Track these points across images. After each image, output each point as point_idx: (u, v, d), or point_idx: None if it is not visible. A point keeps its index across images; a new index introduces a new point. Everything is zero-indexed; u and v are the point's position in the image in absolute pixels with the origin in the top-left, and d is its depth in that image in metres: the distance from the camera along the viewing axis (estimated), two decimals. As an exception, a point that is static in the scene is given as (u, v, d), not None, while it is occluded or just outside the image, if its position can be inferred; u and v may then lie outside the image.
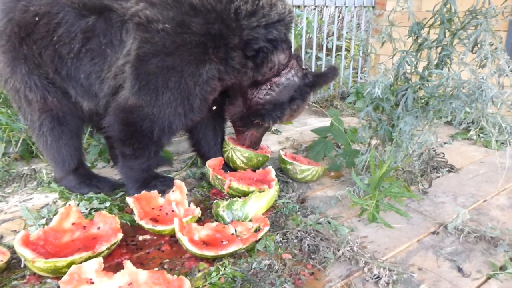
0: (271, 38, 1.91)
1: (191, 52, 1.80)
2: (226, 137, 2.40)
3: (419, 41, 2.01)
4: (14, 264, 1.58)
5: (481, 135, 3.10)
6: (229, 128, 3.34)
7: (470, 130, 3.18)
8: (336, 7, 4.24)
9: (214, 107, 2.27)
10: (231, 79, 1.94)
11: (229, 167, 2.40)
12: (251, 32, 1.85)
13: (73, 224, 1.70)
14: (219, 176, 2.08)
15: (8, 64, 1.93)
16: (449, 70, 1.99)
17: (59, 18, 1.83)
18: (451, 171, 2.51)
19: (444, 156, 2.58)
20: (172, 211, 1.89)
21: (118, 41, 1.83)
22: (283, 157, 2.32)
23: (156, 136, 1.93)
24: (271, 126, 2.26)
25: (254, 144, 2.36)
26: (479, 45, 1.82)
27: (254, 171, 2.29)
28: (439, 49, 1.98)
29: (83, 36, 1.84)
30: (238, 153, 2.29)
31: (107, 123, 1.96)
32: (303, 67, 2.17)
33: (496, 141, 2.91)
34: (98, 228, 1.70)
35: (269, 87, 2.08)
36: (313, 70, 2.47)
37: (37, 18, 1.85)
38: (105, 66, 1.88)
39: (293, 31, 3.86)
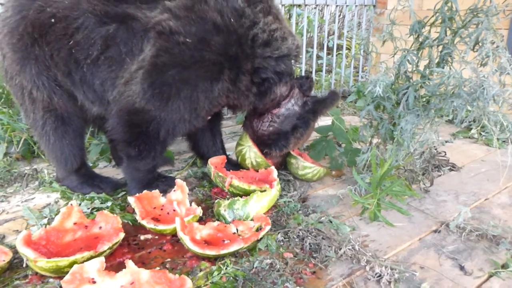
0: (278, 71, 1.99)
1: (208, 69, 1.84)
2: (246, 132, 2.39)
3: (420, 39, 2.01)
4: (16, 264, 1.58)
5: (483, 133, 3.09)
6: (230, 128, 3.35)
7: (471, 129, 3.18)
8: (337, 6, 4.24)
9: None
10: (235, 99, 2.01)
11: (232, 165, 2.40)
12: (262, 61, 1.93)
13: (75, 223, 1.70)
14: (220, 174, 2.08)
15: (18, 62, 1.91)
16: (450, 68, 1.99)
17: (79, 23, 1.81)
18: (452, 170, 2.51)
19: (445, 154, 2.58)
20: (174, 210, 1.89)
21: (138, 50, 1.83)
22: (291, 151, 2.32)
23: (162, 137, 1.95)
24: (279, 154, 2.32)
25: (279, 166, 2.42)
26: (480, 44, 1.82)
27: (257, 171, 2.29)
28: (440, 48, 1.98)
29: (103, 43, 1.83)
30: (253, 154, 2.29)
31: (111, 126, 1.96)
32: (308, 91, 2.22)
33: (498, 139, 2.91)
34: (100, 227, 1.71)
35: (270, 119, 2.18)
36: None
37: (53, 20, 1.82)
38: (121, 73, 1.87)
39: (293, 30, 3.86)
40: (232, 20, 1.82)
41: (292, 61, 2.09)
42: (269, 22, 1.91)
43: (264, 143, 2.24)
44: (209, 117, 2.29)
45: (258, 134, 2.24)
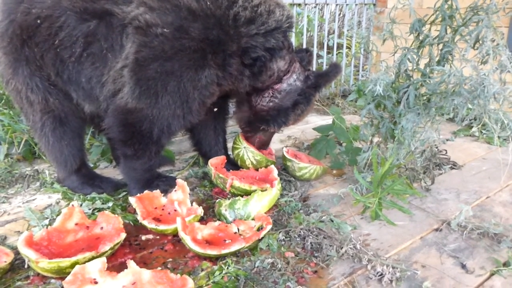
0: (269, 46, 1.90)
1: (190, 58, 1.79)
2: (239, 134, 2.39)
3: (420, 38, 2.00)
4: (18, 264, 1.58)
5: (484, 131, 3.09)
6: (230, 127, 3.34)
7: (472, 127, 3.17)
8: (337, 5, 4.23)
9: (216, 109, 2.28)
10: (228, 85, 1.95)
11: (232, 165, 2.40)
12: (249, 40, 1.84)
13: (76, 224, 1.70)
14: (221, 175, 2.08)
15: (10, 66, 1.93)
16: (450, 66, 1.99)
17: (61, 21, 1.82)
18: (453, 168, 2.50)
19: (446, 153, 2.58)
20: (175, 210, 1.89)
21: (119, 46, 1.83)
22: (285, 154, 2.33)
23: (156, 136, 1.93)
24: (277, 130, 2.29)
25: (263, 146, 2.39)
26: (480, 42, 1.82)
27: (257, 170, 2.29)
28: (440, 46, 1.98)
29: (85, 41, 1.83)
30: (250, 154, 2.30)
31: (107, 125, 1.96)
32: (308, 65, 2.15)
33: (499, 137, 2.90)
34: (101, 228, 1.71)
35: (271, 94, 2.09)
36: (314, 69, 2.45)
37: (39, 21, 1.84)
38: (106, 71, 1.87)
39: (294, 29, 3.85)
40: (208, 3, 1.77)
41: (287, 33, 2.00)
42: None
43: (262, 119, 2.15)
44: (213, 110, 2.28)
45: (256, 109, 2.15)
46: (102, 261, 1.41)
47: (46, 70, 1.93)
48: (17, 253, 1.59)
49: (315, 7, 4.09)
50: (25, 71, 1.92)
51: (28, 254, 1.45)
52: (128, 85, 1.82)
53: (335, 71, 2.11)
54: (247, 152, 2.29)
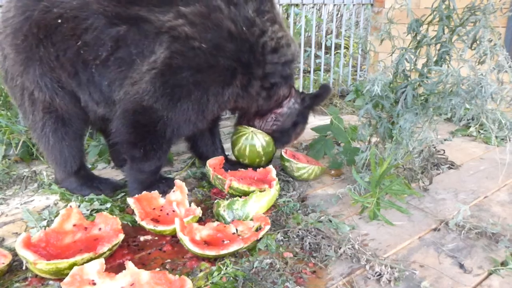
0: (284, 75, 2.11)
1: (221, 74, 1.90)
2: (239, 126, 2.42)
3: (418, 38, 2.01)
4: (16, 266, 1.58)
5: (481, 131, 3.10)
6: (228, 128, 3.34)
7: (470, 127, 3.18)
8: (334, 5, 4.24)
9: None
10: (243, 103, 2.10)
11: (231, 165, 2.40)
12: (272, 67, 2.04)
13: (74, 225, 1.70)
14: (219, 176, 2.08)
15: (21, 64, 1.90)
16: (448, 66, 1.99)
17: (88, 23, 1.81)
18: (451, 168, 2.51)
19: (444, 152, 2.58)
20: (173, 211, 1.89)
21: (149, 52, 1.85)
22: (283, 154, 2.33)
23: (168, 136, 1.97)
24: (281, 149, 2.45)
25: None
26: (478, 42, 1.82)
27: (255, 170, 2.30)
28: (438, 46, 1.98)
29: (113, 44, 1.83)
30: (260, 136, 2.32)
31: (114, 127, 1.96)
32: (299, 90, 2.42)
33: (496, 137, 2.91)
34: (100, 229, 1.70)
35: (274, 118, 2.30)
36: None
37: (60, 21, 1.82)
38: (130, 74, 1.88)
39: (291, 29, 3.86)
40: (244, 28, 1.90)
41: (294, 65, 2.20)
42: (276, 30, 2.02)
43: None
44: None
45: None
46: (100, 262, 1.41)
47: (58, 72, 1.91)
48: (15, 254, 1.58)
49: (313, 7, 4.10)
50: (37, 71, 1.89)
51: (26, 255, 1.45)
52: (150, 84, 1.84)
53: (326, 92, 2.38)
54: (256, 135, 2.31)
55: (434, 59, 1.98)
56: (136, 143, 1.96)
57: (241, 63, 1.93)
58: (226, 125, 3.51)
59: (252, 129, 2.34)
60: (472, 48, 1.86)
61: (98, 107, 2.02)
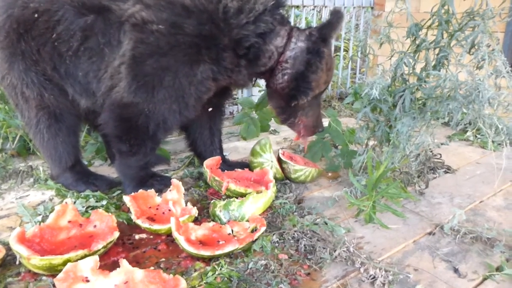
0: (260, 32, 1.87)
1: (185, 53, 1.81)
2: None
3: (417, 42, 2.01)
4: (9, 261, 1.57)
5: (478, 136, 3.11)
6: (226, 128, 3.34)
7: (467, 131, 3.19)
8: (335, 7, 4.24)
9: (210, 109, 2.27)
10: (225, 79, 1.94)
11: (228, 165, 2.40)
12: (240, 30, 1.83)
13: (69, 222, 1.69)
14: (216, 178, 2.07)
15: (6, 60, 1.93)
16: (446, 71, 2.00)
17: (59, 15, 1.83)
18: (447, 172, 2.51)
19: (441, 157, 2.59)
20: (169, 210, 1.89)
21: (116, 42, 1.84)
22: (280, 156, 2.32)
23: (152, 131, 1.93)
24: (307, 100, 2.09)
25: (314, 128, 2.23)
26: (476, 47, 1.83)
27: (252, 171, 2.29)
28: (436, 51, 1.98)
29: (82, 34, 1.84)
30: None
31: (103, 120, 1.96)
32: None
33: (493, 142, 2.91)
34: (95, 226, 1.70)
35: (280, 68, 2.01)
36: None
37: (36, 15, 1.84)
38: (103, 66, 1.88)
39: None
40: None
41: (276, 11, 1.92)
42: None
43: (287, 97, 2.06)
44: (208, 110, 2.27)
45: (278, 90, 2.06)
46: (94, 259, 1.40)
47: (42, 65, 1.93)
48: (8, 249, 1.58)
49: (313, 9, 4.10)
50: (20, 66, 1.92)
51: (20, 250, 1.44)
52: (125, 80, 1.83)
53: (337, 17, 1.98)
54: (271, 169, 2.23)
55: (433, 63, 1.99)
56: (121, 137, 1.95)
57: (203, 36, 1.79)
58: (225, 125, 3.51)
59: (273, 160, 2.26)
60: (471, 53, 1.86)
61: (81, 98, 2.02)
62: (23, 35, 1.87)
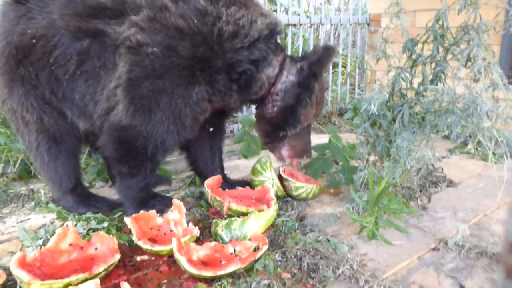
0: (253, 59, 1.90)
1: (180, 75, 1.83)
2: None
3: (413, 57, 2.03)
4: (10, 286, 1.56)
5: (479, 148, 3.10)
6: (226, 147, 3.34)
7: (467, 144, 3.18)
8: (331, 24, 4.30)
9: (211, 129, 2.28)
10: (219, 101, 1.96)
11: (229, 184, 2.39)
12: (234, 54, 1.86)
13: (70, 245, 1.68)
14: (218, 198, 2.06)
15: (6, 86, 1.96)
16: (443, 85, 2.01)
17: (55, 40, 1.87)
18: (450, 186, 2.50)
19: (442, 170, 2.58)
20: (171, 230, 1.88)
21: (112, 64, 1.86)
22: (281, 173, 2.32)
23: (150, 152, 1.94)
24: (293, 131, 2.14)
25: (301, 152, 2.25)
26: (472, 60, 1.85)
27: (253, 188, 2.29)
28: (433, 65, 2.00)
29: (78, 58, 1.87)
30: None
31: (102, 143, 1.97)
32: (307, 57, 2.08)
33: (494, 154, 2.90)
34: (96, 249, 1.69)
35: (271, 99, 2.06)
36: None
37: (34, 41, 1.88)
38: (99, 88, 1.91)
39: (289, 49, 3.90)
40: (195, 21, 1.80)
41: (271, 40, 1.94)
42: (233, 12, 1.84)
43: (276, 126, 2.11)
44: (210, 129, 2.28)
45: (267, 119, 2.11)
46: (95, 282, 1.39)
47: (40, 89, 1.95)
48: (9, 274, 1.56)
49: (310, 27, 4.15)
50: (20, 91, 1.95)
51: (20, 275, 1.43)
52: (122, 104, 1.85)
53: (327, 53, 2.01)
54: (272, 186, 2.22)
55: (430, 77, 2.01)
56: (120, 159, 1.96)
57: (197, 58, 1.81)
58: (225, 143, 3.51)
59: (274, 178, 2.26)
60: (467, 66, 1.88)
61: (79, 121, 2.04)
62: (22, 60, 1.90)
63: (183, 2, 1.83)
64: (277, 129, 2.12)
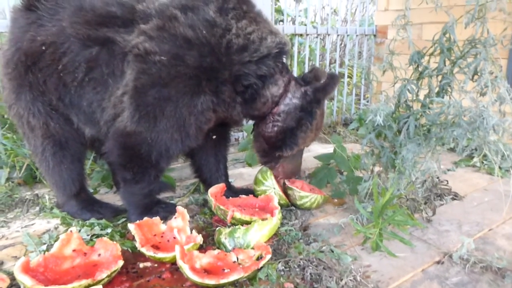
0: (260, 74, 1.94)
1: (186, 84, 1.85)
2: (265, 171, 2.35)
3: (419, 69, 2.04)
4: (13, 291, 1.56)
5: (485, 162, 3.08)
6: (231, 155, 3.35)
7: (473, 157, 3.17)
8: (338, 35, 4.32)
9: (214, 136, 2.30)
10: (223, 111, 1.99)
11: (233, 192, 2.39)
12: (241, 67, 1.88)
13: (73, 250, 1.68)
14: (221, 207, 2.06)
15: (13, 91, 1.99)
16: (450, 98, 2.01)
17: (65, 47, 1.89)
18: (455, 199, 2.48)
19: (447, 183, 2.57)
20: (174, 238, 1.88)
21: (120, 72, 1.89)
22: (286, 182, 2.32)
23: (154, 159, 1.95)
24: (290, 153, 2.20)
25: (292, 174, 2.33)
26: (479, 74, 1.85)
27: (256, 197, 2.28)
28: (439, 78, 2.00)
29: (87, 66, 1.89)
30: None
31: (107, 148, 1.99)
32: (311, 80, 2.12)
33: (500, 168, 2.89)
34: (99, 255, 1.69)
35: (272, 119, 2.09)
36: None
37: (43, 48, 1.90)
38: (106, 95, 1.93)
39: (296, 58, 3.92)
40: (204, 32, 1.82)
41: (279, 58, 1.99)
42: (243, 26, 1.87)
43: (273, 146, 2.15)
44: (212, 138, 2.29)
45: (266, 137, 2.15)
46: (98, 289, 1.39)
47: (48, 95, 1.98)
48: (13, 278, 1.56)
49: (316, 37, 4.18)
50: (27, 96, 1.97)
51: (24, 280, 1.43)
52: (127, 110, 1.86)
53: (332, 83, 2.05)
54: (275, 195, 2.22)
55: (436, 90, 2.01)
56: (125, 165, 1.97)
57: (203, 68, 1.83)
58: (230, 151, 3.52)
59: (276, 187, 2.27)
60: (473, 80, 1.88)
61: (85, 128, 2.06)
62: (31, 67, 1.93)
63: (193, 13, 1.85)
64: (274, 149, 2.16)
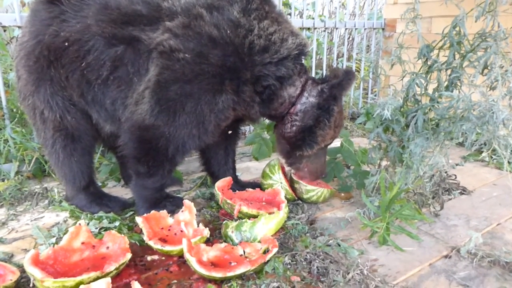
0: (279, 75, 1.95)
1: (208, 82, 1.86)
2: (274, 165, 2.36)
3: (428, 63, 2.02)
4: (23, 283, 1.58)
5: (494, 156, 3.06)
6: (238, 148, 3.35)
7: (482, 152, 3.14)
8: (346, 29, 4.29)
9: (230, 131, 2.30)
10: (241, 110, 2.01)
11: (239, 186, 2.40)
12: (262, 68, 1.91)
13: (82, 243, 1.70)
14: (228, 201, 2.07)
15: (32, 84, 1.98)
16: (459, 92, 1.99)
17: (89, 45, 1.89)
18: (463, 193, 2.47)
19: (456, 178, 2.55)
20: (181, 231, 1.89)
21: (145, 70, 1.89)
22: (292, 176, 2.32)
23: (171, 154, 1.97)
24: (310, 152, 2.16)
25: (317, 174, 2.29)
26: (489, 68, 1.83)
27: (263, 190, 2.29)
28: (449, 71, 1.98)
29: (112, 64, 1.90)
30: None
31: (122, 141, 2.00)
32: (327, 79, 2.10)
33: (509, 162, 2.86)
34: (107, 247, 1.71)
35: (290, 119, 2.11)
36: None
37: (67, 44, 1.90)
38: (130, 93, 1.94)
39: (305, 56, 3.89)
40: (228, 31, 1.84)
41: (298, 60, 2.00)
42: (265, 26, 1.89)
43: (294, 146, 2.14)
44: (227, 133, 2.30)
45: (286, 138, 2.15)
46: (106, 281, 1.41)
47: (69, 91, 1.99)
48: (23, 271, 1.59)
49: (324, 31, 4.15)
50: (48, 90, 1.98)
51: (34, 272, 1.45)
52: (148, 104, 1.87)
53: (347, 78, 2.03)
54: (281, 190, 2.22)
55: (445, 84, 1.99)
56: (140, 158, 1.98)
57: (226, 68, 1.86)
58: (237, 145, 3.52)
59: (283, 181, 2.28)
60: (483, 74, 1.86)
61: (106, 124, 2.08)
62: (53, 62, 1.93)
63: (218, 12, 1.87)
64: (295, 148, 2.15)
